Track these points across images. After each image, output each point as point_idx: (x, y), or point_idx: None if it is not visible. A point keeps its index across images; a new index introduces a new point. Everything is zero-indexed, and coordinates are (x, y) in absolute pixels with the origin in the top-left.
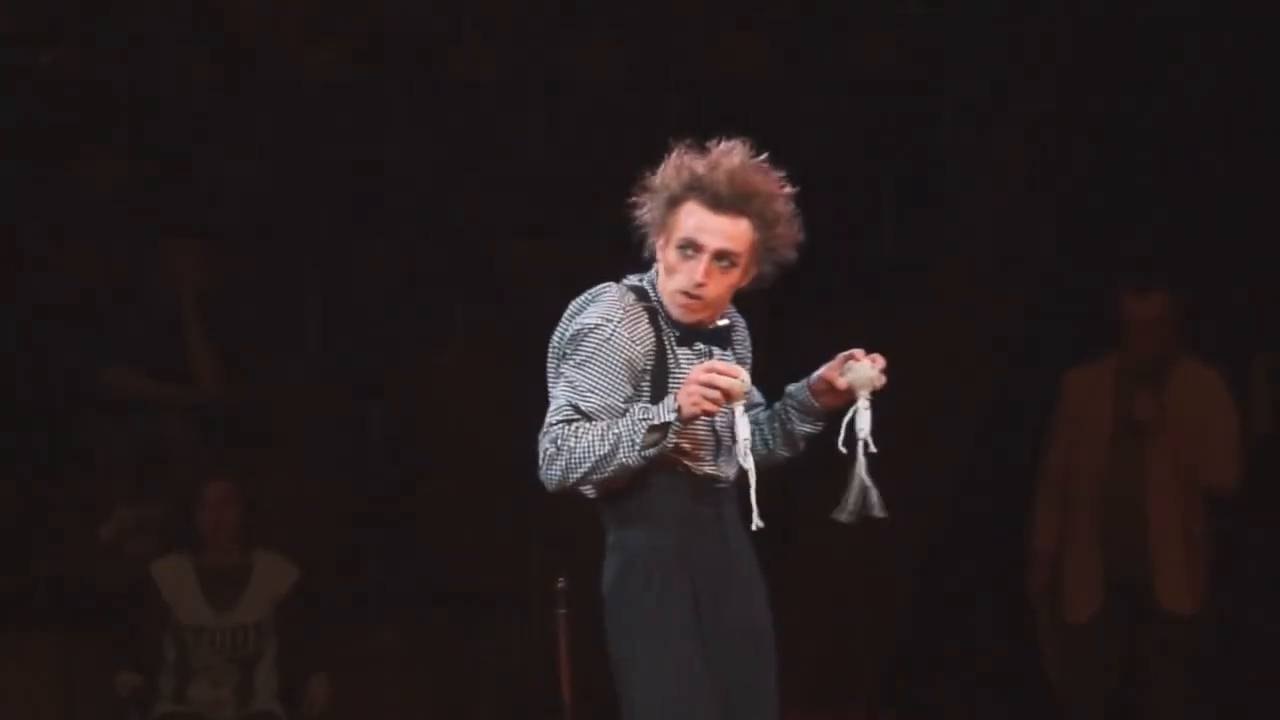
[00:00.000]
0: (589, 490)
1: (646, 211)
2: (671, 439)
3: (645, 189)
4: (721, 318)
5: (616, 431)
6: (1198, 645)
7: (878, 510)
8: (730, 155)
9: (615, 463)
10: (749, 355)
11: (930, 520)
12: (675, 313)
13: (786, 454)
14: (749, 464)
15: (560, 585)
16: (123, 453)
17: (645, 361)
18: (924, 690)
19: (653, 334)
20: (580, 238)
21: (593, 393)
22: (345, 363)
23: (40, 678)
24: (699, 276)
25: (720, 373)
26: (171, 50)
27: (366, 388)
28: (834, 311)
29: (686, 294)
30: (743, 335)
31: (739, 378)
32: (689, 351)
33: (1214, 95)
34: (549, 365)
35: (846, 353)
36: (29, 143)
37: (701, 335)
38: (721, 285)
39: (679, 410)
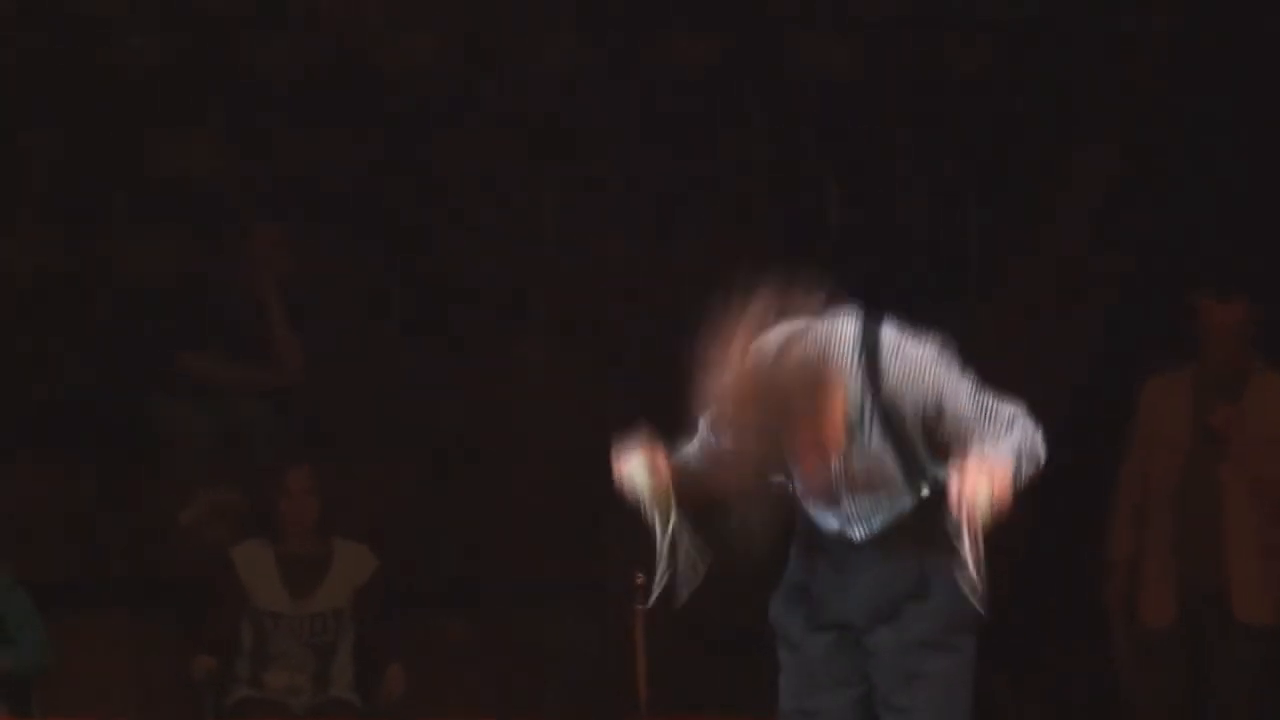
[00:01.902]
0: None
1: (716, 409)
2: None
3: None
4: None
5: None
6: (1271, 658)
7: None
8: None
9: None
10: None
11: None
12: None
13: None
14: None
15: (639, 580)
16: (203, 437)
17: None
18: (1006, 697)
19: None
20: (662, 236)
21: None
22: (424, 352)
23: (115, 659)
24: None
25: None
26: (256, 33)
27: (445, 377)
28: (915, 313)
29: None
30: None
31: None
32: None
33: None
34: (904, 385)
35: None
36: (112, 126)
37: None
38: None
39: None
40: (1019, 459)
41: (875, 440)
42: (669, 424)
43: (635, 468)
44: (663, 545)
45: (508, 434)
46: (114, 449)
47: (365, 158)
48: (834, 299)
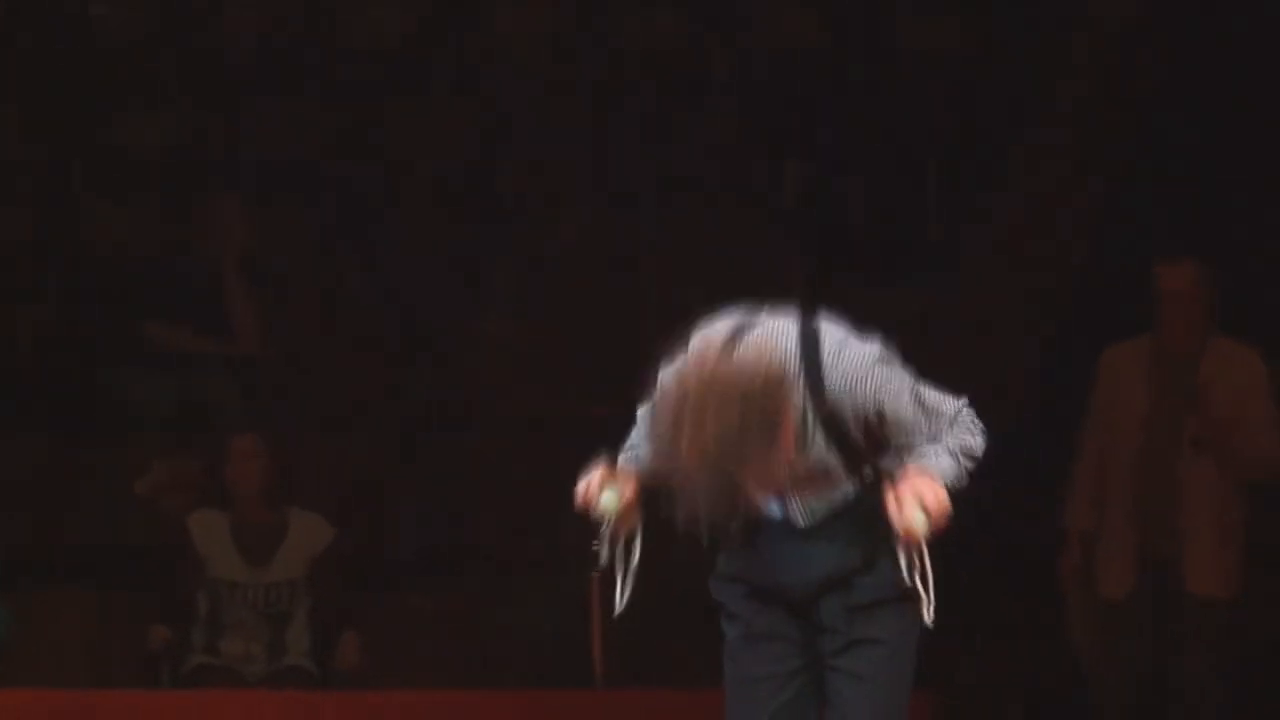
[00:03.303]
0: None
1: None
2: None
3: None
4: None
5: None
6: (1226, 631)
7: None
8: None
9: None
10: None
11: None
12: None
13: None
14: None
15: (595, 548)
16: (161, 407)
17: None
18: (955, 668)
19: None
20: (626, 208)
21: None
22: (385, 326)
23: (72, 630)
24: None
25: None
26: (220, 4)
27: (405, 351)
28: (871, 289)
29: None
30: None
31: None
32: None
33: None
34: (841, 388)
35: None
36: (77, 96)
37: None
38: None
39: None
40: (958, 462)
41: (819, 443)
42: (629, 398)
43: (606, 496)
44: (621, 564)
45: (469, 406)
46: (72, 418)
47: (326, 129)
48: (787, 280)
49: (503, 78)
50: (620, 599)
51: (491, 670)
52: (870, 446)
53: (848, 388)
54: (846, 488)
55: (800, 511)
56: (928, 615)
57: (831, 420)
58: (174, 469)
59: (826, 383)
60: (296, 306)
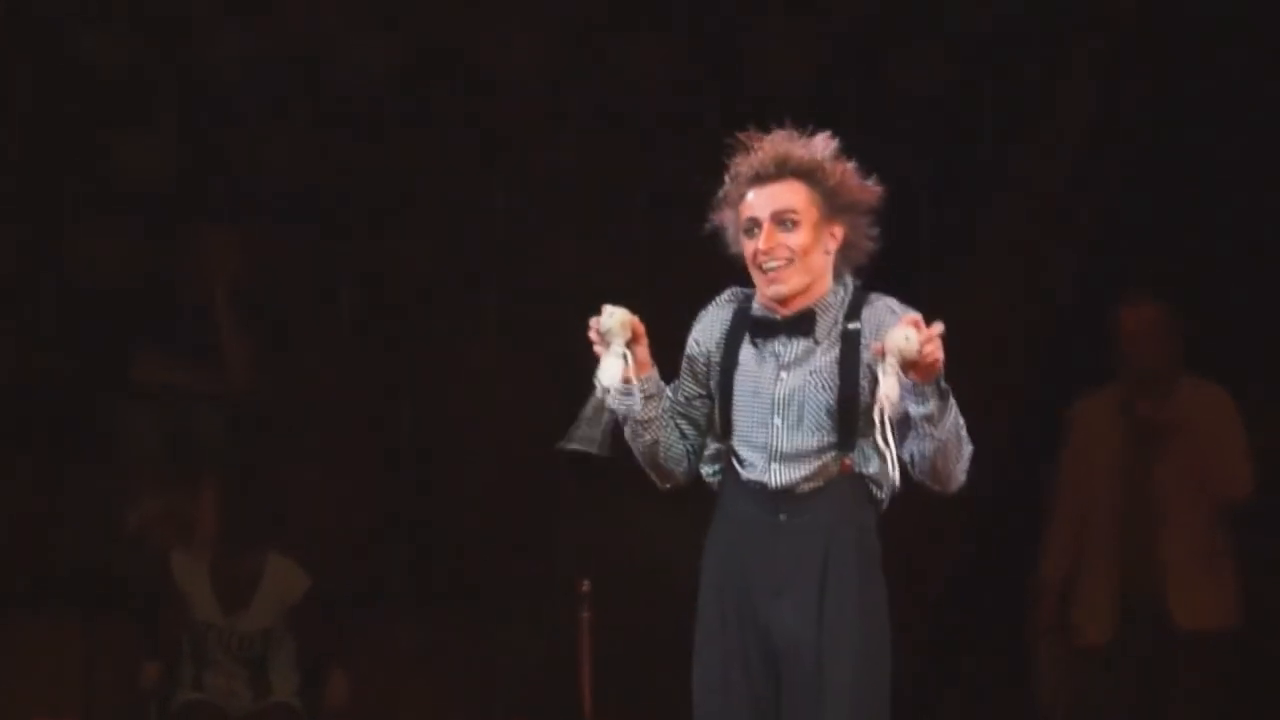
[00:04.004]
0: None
1: (725, 227)
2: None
3: (716, 208)
4: (830, 309)
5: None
6: (1217, 664)
7: (891, 471)
8: (761, 138)
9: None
10: (859, 355)
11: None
12: (767, 294)
13: (924, 449)
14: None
15: (584, 588)
16: (150, 441)
17: (707, 359)
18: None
19: (721, 333)
20: (616, 237)
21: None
22: (373, 358)
23: (61, 660)
24: (762, 244)
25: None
26: (212, 34)
27: (394, 383)
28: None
29: (760, 268)
30: (860, 330)
31: (605, 312)
32: (753, 351)
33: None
34: None
35: (912, 317)
36: (66, 126)
37: (781, 327)
38: (793, 245)
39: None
40: (957, 416)
41: (826, 360)
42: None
43: (617, 308)
44: (614, 371)
45: (456, 437)
46: (62, 450)
47: (317, 158)
48: None
49: (497, 106)
50: (581, 433)
51: (480, 706)
52: (865, 410)
53: (871, 328)
54: (829, 454)
55: (780, 461)
56: (892, 474)
57: (847, 348)
58: (163, 502)
59: (860, 314)
60: (285, 339)
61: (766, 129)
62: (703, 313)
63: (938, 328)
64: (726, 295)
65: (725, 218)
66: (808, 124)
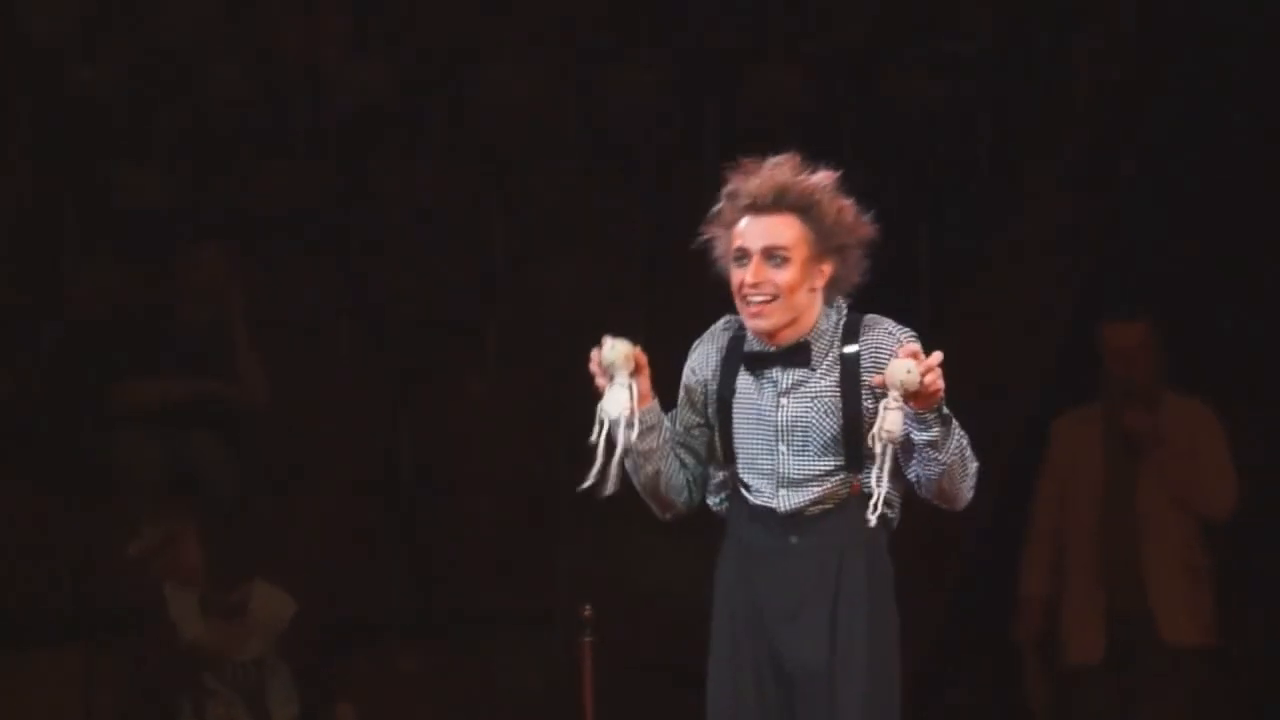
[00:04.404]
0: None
1: (716, 244)
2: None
3: (708, 223)
4: (824, 335)
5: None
6: (1202, 679)
7: (879, 504)
8: (767, 165)
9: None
10: (859, 377)
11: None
12: (749, 326)
13: (930, 473)
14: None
15: (586, 612)
16: (151, 469)
17: (704, 388)
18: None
19: (718, 361)
20: (613, 262)
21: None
22: (374, 383)
23: (61, 692)
24: (749, 277)
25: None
26: (206, 63)
27: (394, 409)
28: None
29: (745, 300)
30: (858, 354)
31: (606, 344)
32: (750, 378)
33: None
34: None
35: (911, 348)
36: (63, 155)
37: (776, 359)
38: (780, 282)
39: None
40: (960, 438)
41: (825, 385)
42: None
43: (612, 344)
44: (619, 403)
45: (456, 465)
46: (61, 479)
47: (312, 186)
48: None
49: (493, 131)
50: (611, 476)
51: None
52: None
53: (870, 353)
54: (836, 476)
55: (788, 487)
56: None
57: (847, 370)
58: (165, 531)
59: (858, 337)
60: (283, 363)
61: (770, 153)
62: (698, 342)
63: (937, 357)
64: (721, 324)
65: (717, 235)
66: (810, 147)
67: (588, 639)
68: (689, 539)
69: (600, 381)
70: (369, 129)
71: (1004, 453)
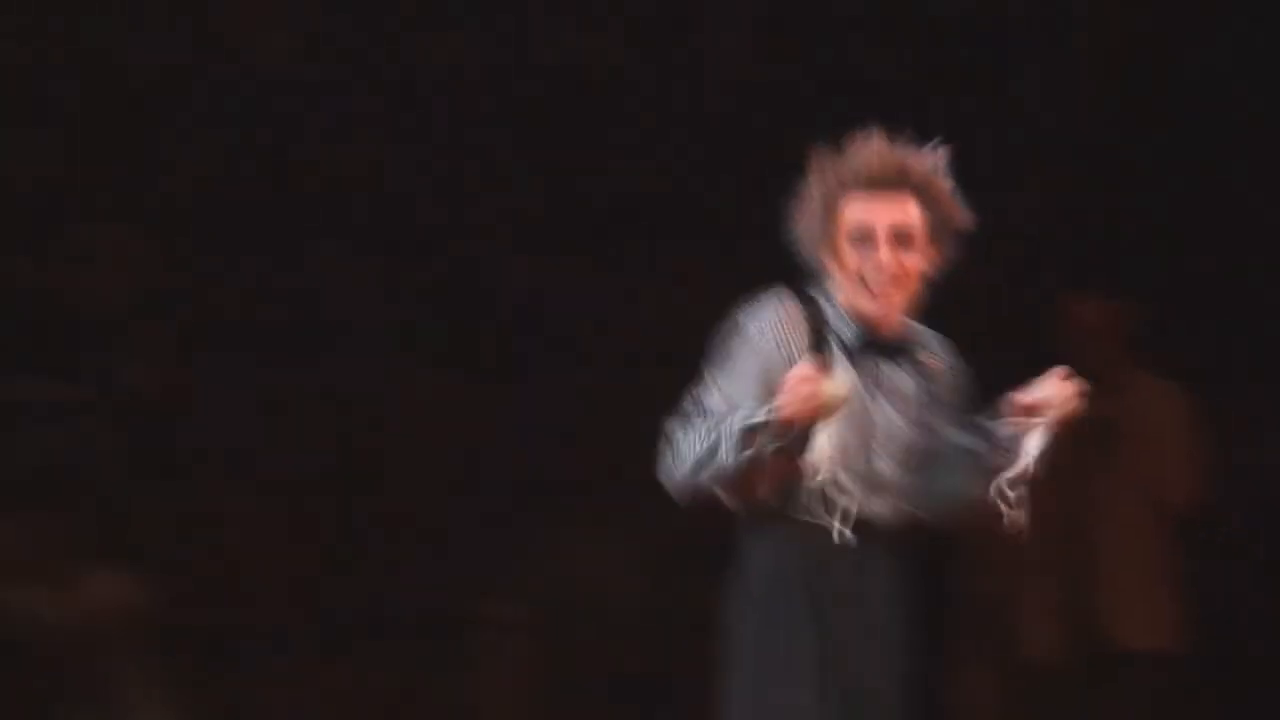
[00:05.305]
0: (726, 499)
1: (804, 228)
2: (771, 444)
3: (796, 208)
4: (919, 341)
5: (719, 430)
6: (1157, 684)
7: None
8: (870, 141)
9: (715, 464)
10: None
11: None
12: (864, 306)
13: (966, 490)
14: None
15: (523, 616)
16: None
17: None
18: None
19: (807, 344)
20: (565, 254)
21: (720, 390)
22: (304, 377)
23: None
24: (884, 257)
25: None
26: (116, 33)
27: (325, 404)
28: None
29: (864, 281)
30: (942, 370)
31: (837, 390)
32: (846, 367)
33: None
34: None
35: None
36: None
37: (881, 349)
38: (908, 266)
39: (777, 409)
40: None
41: (918, 393)
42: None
43: (830, 384)
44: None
45: (389, 463)
46: None
47: (239, 167)
48: None
49: (429, 109)
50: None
51: None
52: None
53: (947, 372)
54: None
55: (846, 500)
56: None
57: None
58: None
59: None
60: (197, 349)
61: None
62: (765, 310)
63: (1076, 380)
64: (784, 294)
65: (812, 223)
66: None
67: (524, 641)
68: (632, 541)
69: (806, 419)
70: (307, 108)
71: None
